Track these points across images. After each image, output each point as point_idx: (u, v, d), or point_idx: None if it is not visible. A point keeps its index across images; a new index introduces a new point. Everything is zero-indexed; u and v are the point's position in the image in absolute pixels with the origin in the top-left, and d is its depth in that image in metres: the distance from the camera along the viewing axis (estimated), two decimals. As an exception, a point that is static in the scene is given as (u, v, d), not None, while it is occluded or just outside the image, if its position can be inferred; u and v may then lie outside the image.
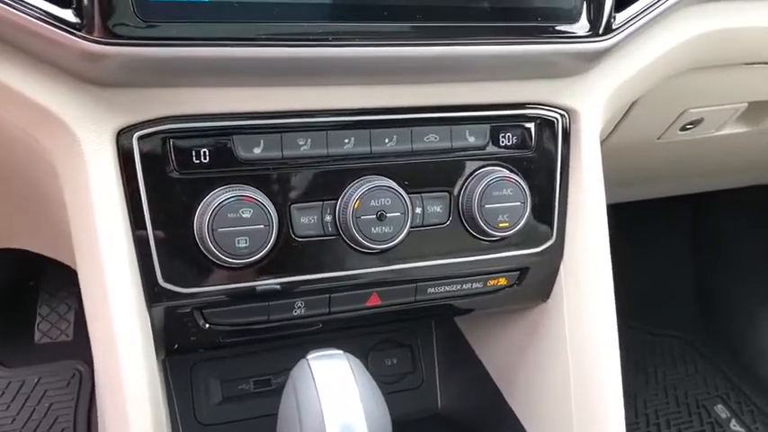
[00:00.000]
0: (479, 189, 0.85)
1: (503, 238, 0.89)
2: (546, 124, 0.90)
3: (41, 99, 0.69)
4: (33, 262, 1.64)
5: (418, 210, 0.85)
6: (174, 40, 0.66)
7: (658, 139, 1.31)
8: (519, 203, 0.87)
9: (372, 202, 0.80)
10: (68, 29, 0.63)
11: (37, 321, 1.93)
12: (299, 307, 0.84)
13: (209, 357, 1.18)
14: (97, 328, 0.76)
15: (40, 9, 0.63)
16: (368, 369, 0.72)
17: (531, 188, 0.88)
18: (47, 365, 1.82)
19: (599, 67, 0.89)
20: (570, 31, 0.80)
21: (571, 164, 0.92)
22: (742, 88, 1.21)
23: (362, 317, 0.90)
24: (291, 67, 0.73)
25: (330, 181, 0.81)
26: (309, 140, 0.79)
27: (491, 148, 0.88)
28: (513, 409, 1.11)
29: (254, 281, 0.79)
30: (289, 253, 0.80)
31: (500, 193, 0.86)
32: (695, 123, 1.27)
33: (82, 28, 0.63)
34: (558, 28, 0.80)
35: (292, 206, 0.79)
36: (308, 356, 0.70)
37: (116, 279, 0.73)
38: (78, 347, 1.87)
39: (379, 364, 1.27)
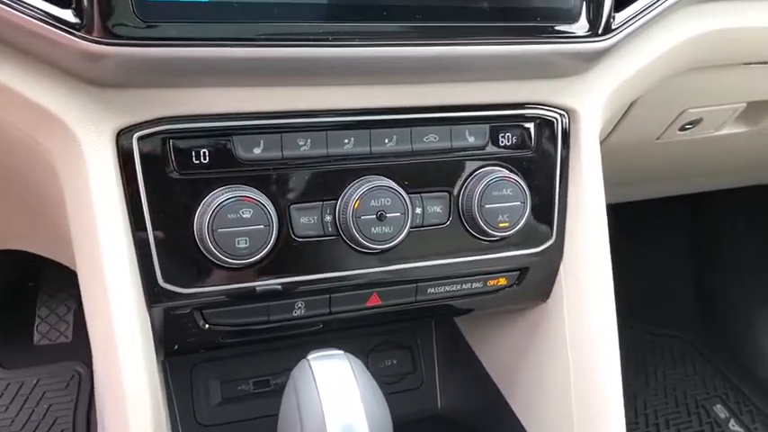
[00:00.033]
0: (479, 189, 0.85)
1: (503, 238, 0.89)
2: (545, 124, 0.90)
3: (41, 99, 0.69)
4: (32, 263, 1.64)
5: (418, 210, 0.85)
6: (174, 40, 0.66)
7: (657, 139, 1.31)
8: (519, 203, 0.87)
9: (372, 203, 0.80)
10: (68, 29, 0.63)
11: (36, 323, 1.93)
12: (300, 307, 0.84)
13: (208, 358, 1.17)
14: (97, 328, 0.76)
15: (40, 10, 0.63)
16: (368, 369, 0.72)
17: (530, 188, 0.88)
18: (46, 367, 1.82)
19: (598, 67, 0.89)
20: (570, 31, 0.80)
21: (571, 163, 0.92)
22: (741, 88, 1.22)
23: (363, 317, 0.90)
24: (291, 67, 0.73)
25: (330, 181, 0.81)
26: (309, 141, 0.79)
27: (491, 148, 0.88)
28: (514, 409, 1.11)
29: (255, 281, 0.79)
30: (289, 253, 0.80)
31: (500, 193, 0.86)
32: (694, 123, 1.28)
33: (81, 28, 0.63)
34: (557, 28, 0.80)
35: (292, 206, 0.79)
36: (309, 356, 0.70)
37: (116, 279, 0.73)
38: (77, 349, 1.87)
39: (378, 364, 1.27)
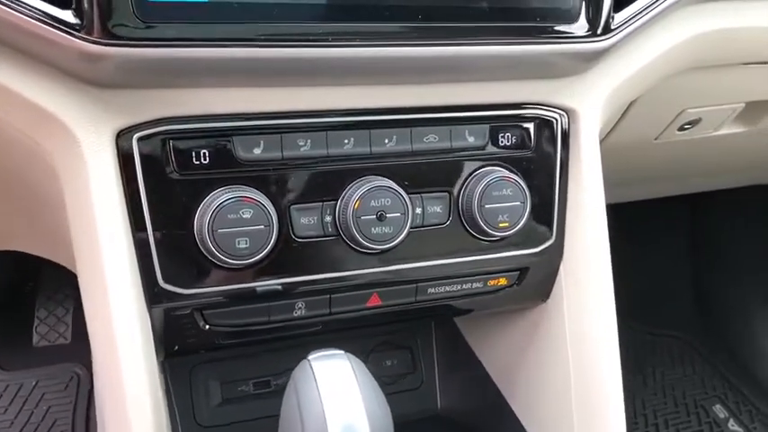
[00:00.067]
0: (479, 189, 0.85)
1: (503, 238, 0.89)
2: (545, 124, 0.91)
3: (40, 100, 0.69)
4: (31, 264, 1.64)
5: (418, 210, 0.85)
6: (174, 40, 0.66)
7: (656, 138, 1.31)
8: (519, 203, 0.87)
9: (372, 203, 0.80)
10: (68, 30, 0.63)
11: (35, 324, 1.93)
12: (300, 308, 0.84)
13: (208, 359, 1.17)
14: (97, 329, 0.76)
15: (40, 10, 0.63)
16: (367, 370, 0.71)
17: (530, 188, 0.88)
18: (45, 368, 1.82)
19: (598, 67, 0.89)
20: (569, 31, 0.81)
21: (570, 163, 0.92)
22: (739, 88, 1.22)
23: (363, 317, 0.90)
24: (291, 67, 0.73)
25: (330, 181, 0.81)
26: (309, 141, 0.79)
27: (490, 149, 0.88)
28: (514, 409, 1.11)
29: (255, 282, 0.79)
30: (289, 253, 0.80)
31: (500, 193, 0.86)
32: (693, 123, 1.28)
33: (81, 29, 0.63)
34: (556, 28, 0.80)
35: (292, 207, 0.79)
36: (310, 357, 0.70)
37: (116, 280, 0.73)
38: (76, 350, 1.86)
39: (378, 364, 1.27)
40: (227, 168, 0.76)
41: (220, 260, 0.75)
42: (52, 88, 0.69)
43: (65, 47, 0.64)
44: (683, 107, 1.20)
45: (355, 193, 0.80)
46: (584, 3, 0.80)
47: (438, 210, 0.86)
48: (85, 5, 0.63)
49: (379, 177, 0.82)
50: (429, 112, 0.85)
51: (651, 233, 2.44)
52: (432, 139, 0.85)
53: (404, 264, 0.86)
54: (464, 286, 0.92)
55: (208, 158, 0.75)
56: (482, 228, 0.86)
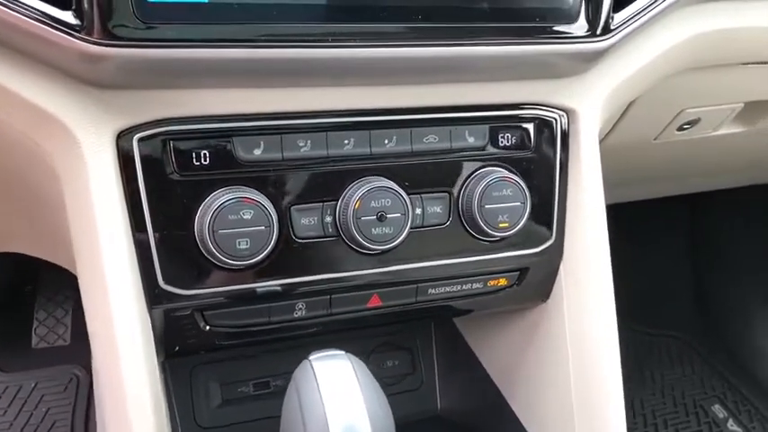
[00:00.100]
0: (479, 189, 0.85)
1: (503, 239, 0.89)
2: (545, 124, 0.91)
3: (40, 101, 0.69)
4: (30, 266, 1.64)
5: (418, 210, 0.85)
6: (174, 41, 0.66)
7: (655, 139, 1.31)
8: (519, 203, 0.87)
9: (372, 203, 0.80)
10: (68, 30, 0.63)
11: (34, 326, 1.93)
12: (300, 308, 0.84)
13: (208, 360, 1.17)
14: (97, 330, 0.76)
15: (40, 11, 0.63)
16: (367, 370, 0.72)
17: (530, 188, 0.88)
18: (44, 370, 1.82)
19: (597, 68, 0.89)
20: (568, 31, 0.81)
21: (570, 163, 0.92)
22: (738, 88, 1.22)
23: (363, 318, 0.90)
24: (291, 68, 0.73)
25: (330, 182, 0.81)
26: (309, 142, 0.79)
27: (490, 149, 0.88)
28: (514, 409, 1.11)
29: (255, 282, 0.79)
30: (289, 254, 0.80)
31: (500, 194, 0.86)
32: (692, 123, 1.28)
33: (81, 29, 0.63)
34: (556, 28, 0.80)
35: (293, 207, 0.79)
36: (311, 357, 0.70)
37: (116, 281, 0.73)
38: (75, 352, 1.86)
39: (378, 365, 1.27)
40: (228, 169, 0.76)
41: (221, 261, 0.75)
42: (52, 89, 0.69)
43: (65, 48, 0.64)
44: (682, 107, 1.20)
45: (355, 194, 0.80)
46: (583, 3, 0.80)
47: (438, 210, 0.86)
48: (86, 6, 0.63)
49: (380, 178, 0.82)
50: (429, 112, 0.85)
51: (651, 233, 2.44)
52: (431, 140, 0.85)
53: (404, 264, 0.86)
54: (464, 287, 0.92)
55: (208, 159, 0.75)
56: (482, 228, 0.86)
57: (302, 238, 0.80)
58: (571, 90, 0.90)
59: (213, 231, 0.74)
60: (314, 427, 0.64)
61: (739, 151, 1.57)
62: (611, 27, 0.83)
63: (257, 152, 0.77)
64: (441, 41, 0.76)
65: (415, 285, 0.89)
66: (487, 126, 0.88)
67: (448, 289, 0.91)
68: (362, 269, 0.84)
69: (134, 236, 0.74)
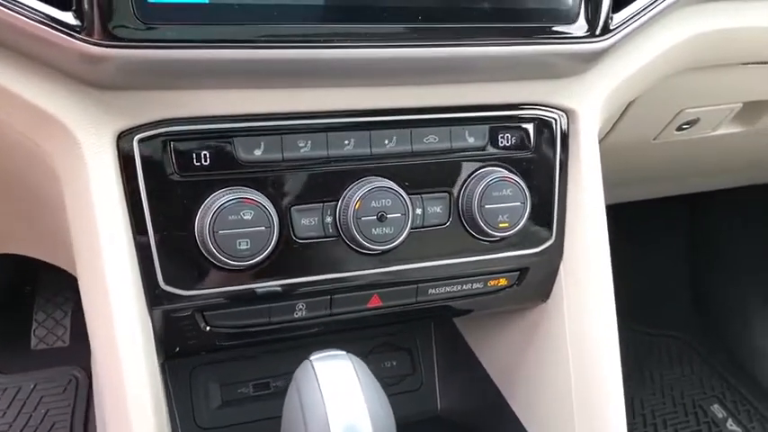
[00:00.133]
0: (479, 189, 0.85)
1: (503, 239, 0.89)
2: (544, 124, 0.91)
3: (41, 102, 0.69)
4: (29, 267, 1.64)
5: (418, 210, 0.85)
6: (174, 42, 0.66)
7: (655, 139, 1.31)
8: (519, 204, 0.87)
9: (373, 203, 0.80)
10: (68, 31, 0.63)
11: (33, 327, 1.92)
12: (301, 309, 0.84)
13: (208, 361, 1.17)
14: (98, 331, 0.76)
15: (40, 12, 0.63)
16: (367, 371, 0.72)
17: (530, 188, 0.89)
18: (43, 371, 1.82)
19: (597, 68, 0.90)
20: (568, 31, 0.81)
21: (570, 163, 0.93)
22: (738, 88, 1.22)
23: (363, 318, 0.90)
24: (291, 68, 0.74)
25: (330, 182, 0.81)
26: (310, 142, 0.79)
27: (490, 149, 0.88)
28: (514, 409, 1.11)
29: (255, 283, 0.79)
30: (290, 255, 0.80)
31: (500, 194, 0.86)
32: (691, 123, 1.28)
33: (82, 30, 0.63)
34: (555, 29, 0.80)
35: (293, 208, 0.79)
36: (312, 357, 0.70)
37: (117, 282, 0.73)
38: (75, 353, 1.86)
39: (378, 366, 1.27)
40: (228, 170, 0.76)
41: (221, 261, 0.75)
42: (53, 90, 0.69)
43: (65, 48, 0.64)
44: (682, 107, 1.21)
45: (356, 194, 0.80)
46: (583, 3, 0.80)
47: (438, 210, 0.86)
48: (86, 7, 0.63)
49: (380, 178, 0.82)
50: (429, 112, 0.85)
51: (650, 233, 2.44)
52: (432, 140, 0.85)
53: (404, 264, 0.86)
54: (464, 287, 0.92)
55: (208, 160, 0.75)
56: (482, 228, 0.86)
57: (302, 239, 0.80)
58: (571, 90, 0.91)
59: (213, 232, 0.74)
60: (315, 426, 0.64)
61: (738, 151, 1.57)
62: (611, 27, 0.83)
63: (258, 153, 0.77)
64: (441, 42, 0.76)
65: (416, 285, 0.89)
66: (487, 126, 0.88)
67: (448, 289, 0.91)
68: (363, 269, 0.84)
69: (134, 236, 0.74)
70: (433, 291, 0.90)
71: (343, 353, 0.71)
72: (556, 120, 0.91)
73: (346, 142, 0.81)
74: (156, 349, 0.78)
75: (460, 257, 0.89)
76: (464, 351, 1.24)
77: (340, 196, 0.81)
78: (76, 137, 0.70)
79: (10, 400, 1.74)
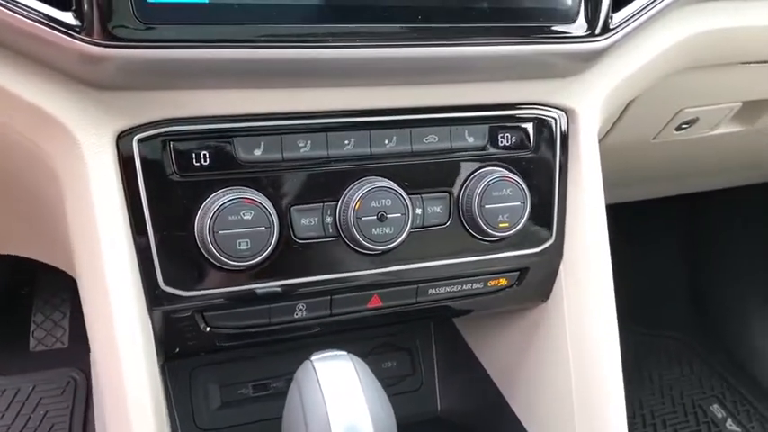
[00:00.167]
0: (479, 189, 0.85)
1: (503, 239, 0.89)
2: (544, 124, 0.91)
3: (40, 102, 0.69)
4: (28, 268, 1.64)
5: (418, 210, 0.85)
6: (174, 41, 0.66)
7: (654, 138, 1.31)
8: (519, 203, 0.87)
9: (373, 203, 0.80)
10: (68, 31, 0.63)
11: (32, 329, 1.92)
12: (301, 309, 0.84)
13: (207, 362, 1.17)
14: (97, 332, 0.76)
15: (40, 12, 0.63)
16: (367, 371, 0.71)
17: (530, 188, 0.89)
18: (42, 373, 1.81)
19: (596, 67, 0.90)
20: (568, 31, 0.81)
21: (570, 163, 0.93)
22: (737, 87, 1.22)
23: (363, 318, 0.90)
24: (291, 68, 0.73)
25: (330, 182, 0.81)
26: (309, 142, 0.79)
27: (490, 149, 0.88)
28: (514, 410, 1.11)
29: (256, 283, 0.79)
30: (290, 255, 0.80)
31: (500, 194, 0.86)
32: (690, 123, 1.28)
33: (81, 30, 0.63)
34: (555, 28, 0.80)
35: (293, 208, 0.79)
36: (313, 358, 0.70)
37: (116, 282, 0.73)
38: (73, 355, 1.86)
39: (377, 366, 1.26)
40: (228, 170, 0.76)
41: (221, 262, 0.75)
42: (52, 90, 0.69)
43: (65, 49, 0.64)
44: (681, 107, 1.21)
45: (356, 194, 0.80)
46: (582, 3, 0.80)
47: (438, 210, 0.86)
48: (85, 7, 0.63)
49: (380, 178, 0.82)
50: (428, 112, 0.85)
51: (650, 233, 2.44)
52: (431, 140, 0.85)
53: (404, 264, 0.86)
54: (464, 287, 0.92)
55: (208, 160, 0.75)
56: (482, 228, 0.86)
57: (302, 239, 0.80)
58: (570, 90, 0.91)
59: (213, 232, 0.73)
60: (316, 427, 0.64)
61: (737, 151, 1.58)
62: (610, 27, 0.83)
63: (257, 153, 0.77)
64: (441, 41, 0.76)
65: (416, 286, 0.89)
66: (487, 126, 0.88)
67: (448, 289, 0.91)
68: (363, 269, 0.84)
69: (134, 237, 0.74)
70: (433, 291, 0.90)
71: (344, 353, 0.71)
72: (556, 119, 0.91)
73: (346, 142, 0.81)
74: (156, 350, 0.78)
75: (460, 257, 0.89)
76: (464, 351, 1.24)
77: (340, 196, 0.81)
78: (76, 137, 0.70)
79: (9, 402, 1.74)
